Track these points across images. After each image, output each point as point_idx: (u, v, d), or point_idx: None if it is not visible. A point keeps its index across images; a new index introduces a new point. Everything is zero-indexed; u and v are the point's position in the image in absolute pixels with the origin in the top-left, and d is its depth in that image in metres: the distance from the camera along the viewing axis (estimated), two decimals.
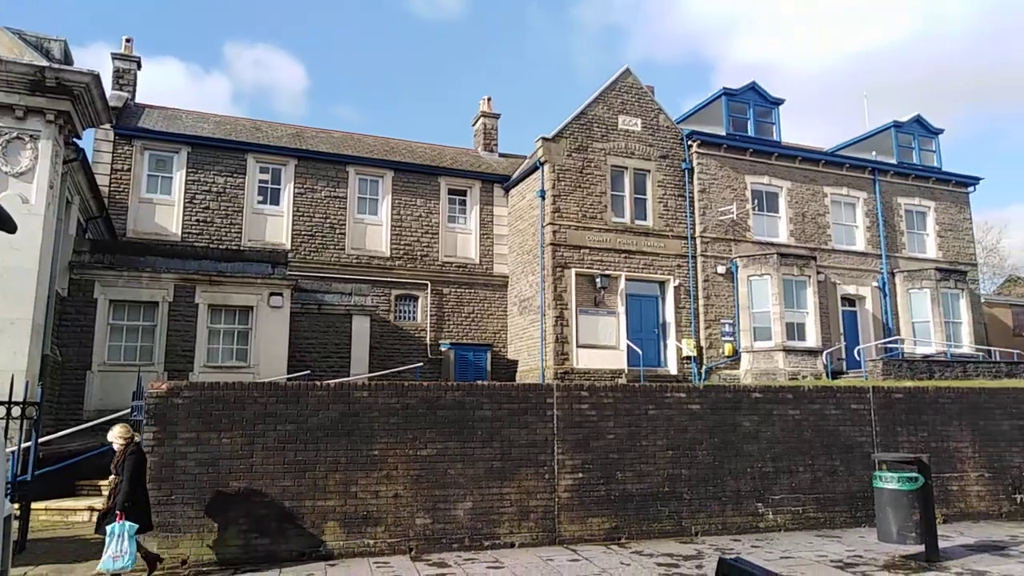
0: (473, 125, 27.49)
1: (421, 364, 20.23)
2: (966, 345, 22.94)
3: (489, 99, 27.06)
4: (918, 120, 26.54)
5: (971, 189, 26.37)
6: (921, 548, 8.65)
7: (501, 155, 26.27)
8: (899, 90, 74.27)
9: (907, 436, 11.44)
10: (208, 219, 20.25)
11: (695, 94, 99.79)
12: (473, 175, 23.60)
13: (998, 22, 78.15)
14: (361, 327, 18.59)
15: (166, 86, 67.99)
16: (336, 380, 11.62)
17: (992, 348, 24.60)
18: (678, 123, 23.30)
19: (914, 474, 8.77)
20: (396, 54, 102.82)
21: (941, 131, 26.93)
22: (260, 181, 21.20)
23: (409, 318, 21.70)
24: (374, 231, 21.94)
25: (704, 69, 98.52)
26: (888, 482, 8.78)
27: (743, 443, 10.61)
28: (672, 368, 20.67)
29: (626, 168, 21.65)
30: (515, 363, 21.62)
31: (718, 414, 10.62)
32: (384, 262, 21.72)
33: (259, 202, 21.07)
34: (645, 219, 21.59)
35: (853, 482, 10.85)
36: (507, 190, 23.48)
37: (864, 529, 10.26)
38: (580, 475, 9.69)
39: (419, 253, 22.19)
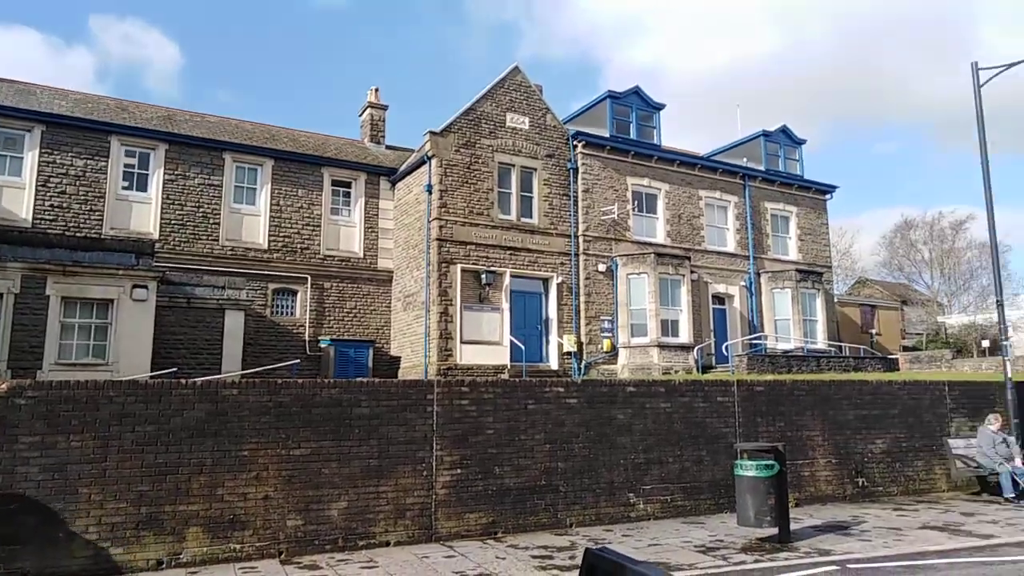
0: (360, 116, 26.91)
1: (298, 361, 19.58)
2: (820, 341, 24.79)
3: (376, 90, 26.57)
4: (784, 130, 28.37)
5: (828, 196, 28.49)
6: (775, 531, 9.25)
7: (388, 147, 25.86)
8: (770, 100, 79.25)
9: (766, 426, 12.22)
10: (64, 204, 18.71)
11: (583, 95, 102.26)
12: (358, 167, 23.09)
13: (855, 42, 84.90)
14: (235, 322, 17.77)
15: (21, 59, 62.29)
16: (204, 378, 11.03)
17: (843, 344, 26.73)
18: (565, 123, 23.73)
19: (771, 462, 9.36)
20: (280, 38, 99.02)
21: (804, 141, 28.92)
22: (126, 165, 19.81)
23: (287, 313, 20.96)
24: (251, 222, 21.02)
25: (592, 71, 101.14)
26: (748, 470, 9.33)
27: (617, 435, 10.96)
28: (553, 363, 21.09)
29: (513, 166, 21.84)
30: (398, 360, 21.37)
31: (594, 408, 10.91)
32: (261, 254, 20.86)
33: (124, 188, 19.69)
34: (531, 217, 21.87)
35: (717, 471, 11.45)
36: (394, 183, 23.14)
37: (726, 515, 10.85)
38: (459, 471, 9.69)
39: (299, 246, 21.47)
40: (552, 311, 21.53)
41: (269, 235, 21.07)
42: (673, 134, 50.07)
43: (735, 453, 10.06)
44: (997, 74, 15.50)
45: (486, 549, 8.83)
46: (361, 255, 22.42)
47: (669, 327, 21.84)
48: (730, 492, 10.79)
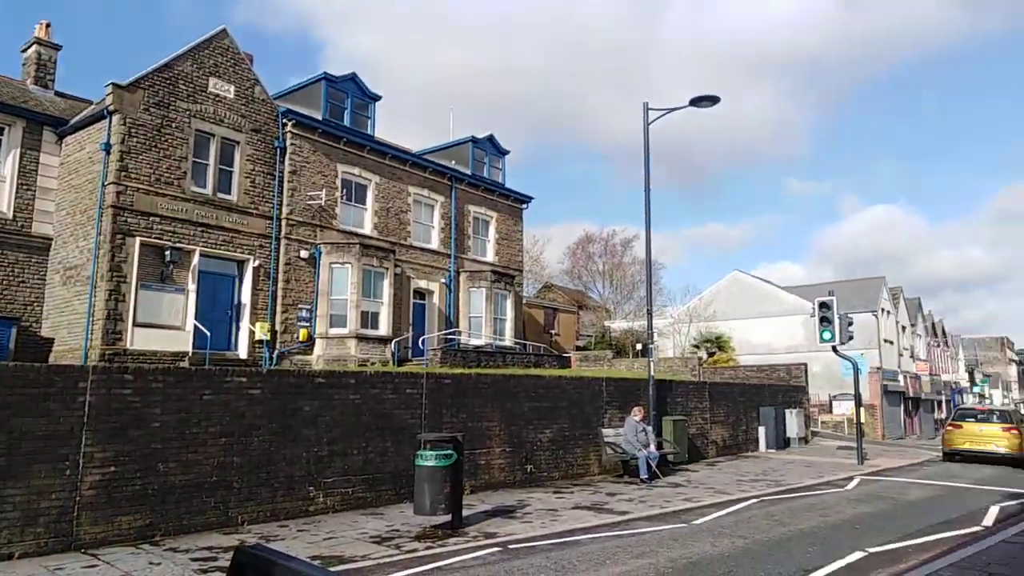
0: (23, 52, 22.59)
1: None
2: (508, 339, 26.77)
3: (47, 25, 22.52)
4: (491, 139, 30.10)
5: (525, 206, 30.89)
6: (449, 517, 9.71)
7: (59, 94, 22.09)
8: (481, 109, 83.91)
9: (450, 417, 12.79)
10: None
11: (299, 74, 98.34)
12: (16, 111, 19.32)
13: (563, 71, 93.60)
14: None
15: None
16: None
17: (527, 342, 29.18)
18: (275, 99, 22.48)
19: (450, 451, 9.79)
20: None
21: (508, 152, 30.97)
22: None
23: None
24: None
25: (311, 51, 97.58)
26: (427, 460, 9.65)
27: (302, 428, 10.63)
28: (243, 352, 19.80)
29: (213, 135, 20.08)
30: (51, 342, 18.35)
31: (280, 399, 10.45)
32: None
33: None
34: (230, 193, 20.30)
35: (401, 461, 11.68)
36: (61, 137, 19.84)
37: (406, 505, 11.08)
38: (112, 469, 8.57)
39: None
40: (246, 296, 20.22)
41: None
42: (388, 128, 50.51)
43: (419, 444, 10.35)
44: (661, 115, 18.13)
45: (139, 555, 7.92)
46: (10, 216, 18.81)
47: (369, 319, 21.86)
48: (412, 482, 11.04)
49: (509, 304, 27.22)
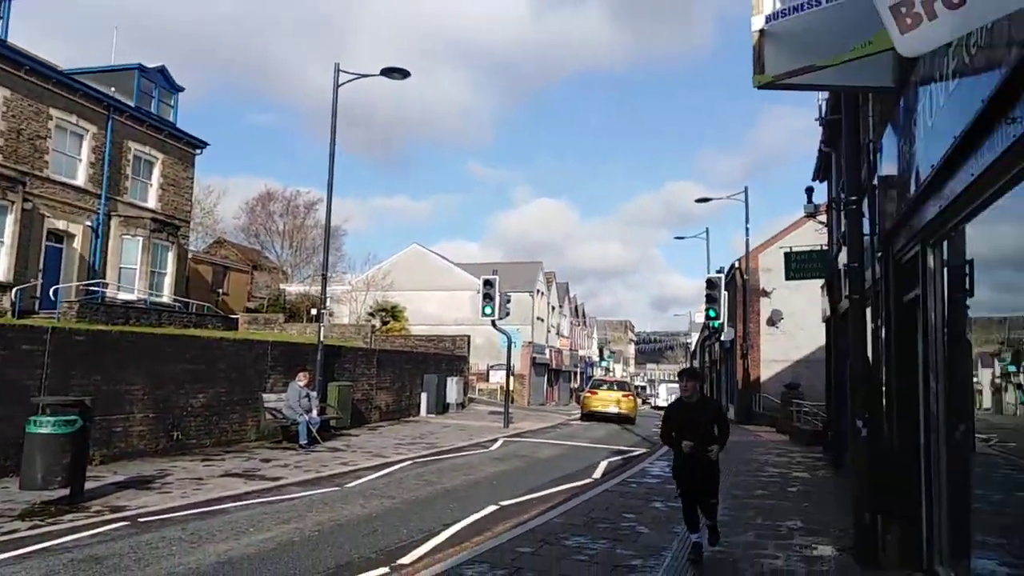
0: None
1: None
2: (167, 295, 24.31)
3: None
4: (163, 71, 26.84)
5: (198, 152, 28.17)
6: (67, 492, 8.51)
7: None
8: (156, 38, 74.42)
9: (81, 379, 11.21)
10: None
11: None
12: None
13: (252, 15, 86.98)
14: None
15: None
16: None
17: (190, 300, 26.79)
18: None
19: (74, 417, 8.56)
20: None
21: (183, 89, 27.89)
22: None
23: None
24: None
25: None
26: (43, 427, 8.33)
27: None
28: None
29: None
30: None
31: None
32: None
33: None
34: None
35: (9, 429, 9.90)
36: None
37: (12, 479, 9.47)
38: None
39: None
40: None
41: None
42: (33, 40, 42.06)
43: (35, 408, 8.87)
44: (353, 79, 17.88)
45: None
46: None
47: None
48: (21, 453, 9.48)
49: (171, 257, 24.73)
